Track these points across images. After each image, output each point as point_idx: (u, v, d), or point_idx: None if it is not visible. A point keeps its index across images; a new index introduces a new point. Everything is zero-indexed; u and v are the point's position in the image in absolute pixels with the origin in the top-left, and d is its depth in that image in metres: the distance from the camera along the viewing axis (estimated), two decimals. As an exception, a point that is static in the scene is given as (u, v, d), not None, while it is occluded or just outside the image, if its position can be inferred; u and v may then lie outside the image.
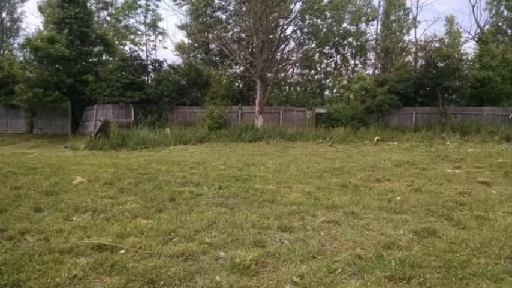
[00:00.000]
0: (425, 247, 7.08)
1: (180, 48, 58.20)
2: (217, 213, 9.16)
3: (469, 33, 58.13)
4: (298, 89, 60.66)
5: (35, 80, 42.58)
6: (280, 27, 43.87)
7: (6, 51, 64.62)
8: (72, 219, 8.52)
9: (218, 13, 52.77)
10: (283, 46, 44.97)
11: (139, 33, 61.36)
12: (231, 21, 52.70)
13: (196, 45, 54.94)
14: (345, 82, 58.80)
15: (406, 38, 58.48)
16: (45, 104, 42.07)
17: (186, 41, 58.17)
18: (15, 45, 66.19)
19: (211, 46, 53.20)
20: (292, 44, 50.67)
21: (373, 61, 58.45)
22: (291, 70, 56.40)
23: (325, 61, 60.16)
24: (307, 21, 50.44)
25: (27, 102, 41.80)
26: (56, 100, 41.96)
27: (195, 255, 6.65)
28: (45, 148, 32.67)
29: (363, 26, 58.16)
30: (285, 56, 47.04)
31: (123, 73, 43.17)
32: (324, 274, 5.93)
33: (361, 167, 17.06)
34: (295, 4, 46.13)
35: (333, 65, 60.53)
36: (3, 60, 49.86)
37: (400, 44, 56.47)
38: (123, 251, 6.78)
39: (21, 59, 52.41)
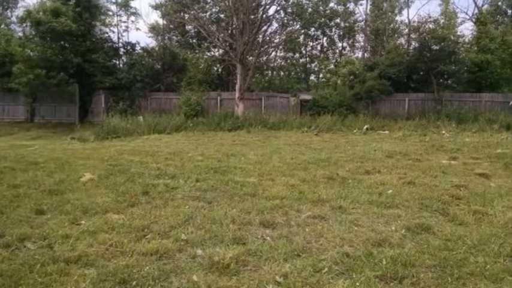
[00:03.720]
0: (419, 244, 7.06)
1: (154, 29, 56.08)
2: (194, 208, 9.15)
3: (466, 13, 57.49)
4: (282, 73, 58.92)
5: (36, 59, 39.42)
6: (262, 7, 43.16)
7: (2, 26, 59.10)
8: (80, 223, 8.12)
9: (196, -9, 51.68)
10: (265, 27, 44.24)
11: (110, 13, 57.63)
12: (209, 0, 51.57)
13: (171, 26, 53.10)
14: (332, 66, 57.24)
15: (398, 18, 56.42)
16: (48, 87, 39.04)
17: (161, 22, 55.82)
18: (13, 19, 61.05)
19: (188, 27, 52.20)
20: (275, 25, 49.67)
21: (362, 44, 57.55)
22: (273, 53, 55.45)
23: (311, 44, 58.85)
24: (291, 1, 48.77)
25: (27, 85, 38.63)
26: (61, 83, 38.68)
27: (170, 253, 6.64)
28: (48, 139, 31.45)
29: (351, 5, 56.51)
30: (268, 38, 46.51)
31: (93, 56, 41.13)
32: (310, 273, 5.94)
33: (350, 158, 17.07)
34: (279, -19, 45.19)
35: (319, 47, 59.10)
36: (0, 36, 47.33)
37: (392, 25, 54.91)
38: (93, 248, 6.73)
39: (20, 34, 47.93)
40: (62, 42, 40.24)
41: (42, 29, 38.38)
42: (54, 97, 42.23)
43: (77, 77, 40.52)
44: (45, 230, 7.59)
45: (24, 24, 43.09)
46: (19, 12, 57.32)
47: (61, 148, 21.96)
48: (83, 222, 8.21)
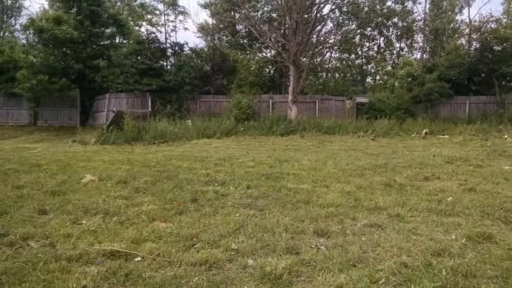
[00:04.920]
0: (480, 254, 6.96)
1: (203, 29, 57.91)
2: (245, 216, 9.10)
3: (530, 12, 57.49)
4: (337, 75, 60.35)
5: (39, 65, 42.28)
6: (316, 6, 43.40)
7: (6, 33, 65.09)
8: (81, 223, 8.52)
9: (246, -11, 52.14)
10: (319, 27, 44.92)
11: (157, 12, 61.51)
12: (260, -1, 52.14)
13: (221, 26, 54.73)
14: (390, 68, 58.18)
15: (458, 18, 57.89)
16: (50, 92, 41.68)
17: (210, 21, 58.14)
18: (17, 27, 66.98)
19: (239, 27, 53.24)
20: (329, 24, 50.44)
21: (421, 44, 57.95)
22: (328, 54, 56.18)
23: (367, 44, 60.03)
24: (346, -1, 49.74)
25: (30, 90, 41.32)
26: (63, 88, 41.57)
27: (220, 263, 6.60)
28: (50, 142, 32.75)
29: (409, 4, 57.62)
30: (322, 38, 47.24)
31: (139, 58, 42.96)
32: (366, 285, 5.85)
33: (408, 163, 17.00)
34: (334, -21, 45.45)
35: (375, 48, 60.39)
36: (4, 44, 50.13)
37: (452, 24, 55.83)
38: (139, 258, 6.73)
39: (24, 41, 53.01)
40: (64, 49, 43.49)
41: (45, 36, 41.60)
42: (56, 102, 44.97)
43: (78, 82, 43.51)
44: (47, 229, 8.01)
45: (28, 32, 47.71)
46: (23, 20, 62.78)
47: (63, 151, 23.35)
48: (84, 221, 8.66)
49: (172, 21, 57.15)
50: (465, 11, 63.12)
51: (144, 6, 62.97)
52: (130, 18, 57.95)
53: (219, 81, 44.95)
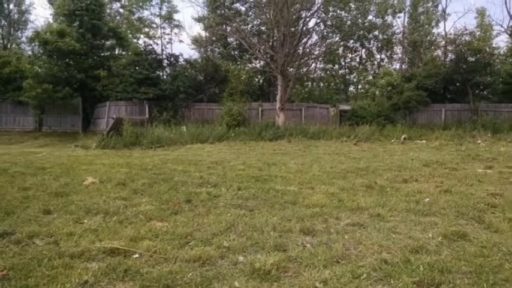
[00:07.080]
0: (455, 251, 7.01)
1: (196, 41, 58.19)
2: (236, 216, 9.06)
3: (501, 26, 57.86)
4: (322, 84, 60.75)
5: (44, 75, 42.65)
6: (303, 20, 43.91)
7: (13, 45, 65.25)
8: (83, 222, 8.54)
9: (237, 5, 52.68)
10: (305, 39, 45.03)
11: (154, 26, 62.06)
12: (250, 13, 52.48)
13: (214, 38, 55.01)
14: (371, 77, 58.57)
15: (434, 31, 58.44)
16: (54, 100, 42.13)
17: (203, 34, 58.44)
18: (23, 39, 67.14)
19: (230, 39, 53.30)
20: (315, 37, 50.88)
21: (400, 55, 58.35)
22: (313, 65, 56.56)
23: (350, 55, 60.31)
24: (330, 13, 50.23)
25: (35, 98, 41.96)
26: (66, 96, 41.97)
27: (213, 259, 6.61)
28: (54, 147, 32.80)
29: (389, 18, 58.16)
30: (308, 50, 47.33)
31: (137, 68, 43.06)
32: (349, 280, 5.87)
33: (388, 166, 17.04)
34: (318, -5, 45.60)
35: (357, 59, 60.74)
36: (11, 55, 50.21)
37: (429, 37, 56.32)
38: (137, 255, 6.75)
39: (30, 53, 53.04)
40: (67, 60, 43.74)
41: (49, 48, 41.84)
42: (60, 109, 45.20)
43: (80, 91, 43.99)
44: (51, 228, 8.02)
45: (33, 44, 47.66)
46: (28, 33, 62.98)
47: (66, 155, 23.17)
48: (85, 221, 8.68)
49: (168, 34, 58.07)
50: (441, 24, 63.63)
51: (142, 20, 63.57)
52: (129, 31, 58.47)
53: (211, 90, 45.35)
